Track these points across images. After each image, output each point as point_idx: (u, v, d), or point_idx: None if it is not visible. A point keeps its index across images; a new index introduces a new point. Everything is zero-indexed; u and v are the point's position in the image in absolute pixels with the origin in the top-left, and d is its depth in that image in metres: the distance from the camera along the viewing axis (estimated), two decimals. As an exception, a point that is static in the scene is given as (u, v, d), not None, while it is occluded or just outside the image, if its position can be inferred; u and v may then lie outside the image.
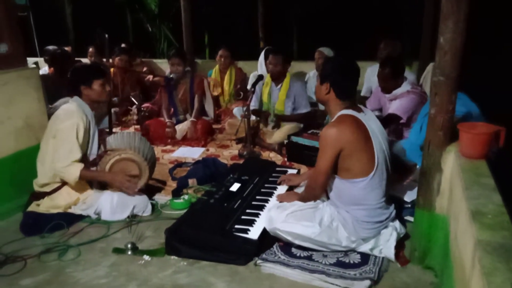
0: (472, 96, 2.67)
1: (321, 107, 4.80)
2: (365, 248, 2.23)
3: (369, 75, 4.76)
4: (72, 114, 2.71)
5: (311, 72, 5.34)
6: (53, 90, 4.17)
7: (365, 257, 2.20)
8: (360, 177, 2.14)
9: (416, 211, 2.18)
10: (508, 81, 4.95)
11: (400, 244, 2.27)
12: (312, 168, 3.19)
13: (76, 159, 2.64)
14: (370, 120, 2.23)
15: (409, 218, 2.56)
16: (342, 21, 8.46)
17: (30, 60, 5.95)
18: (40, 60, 5.95)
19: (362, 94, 5.02)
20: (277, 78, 4.24)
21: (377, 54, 4.55)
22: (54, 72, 4.68)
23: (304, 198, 2.37)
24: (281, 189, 2.82)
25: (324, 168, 2.17)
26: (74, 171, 2.62)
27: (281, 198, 2.52)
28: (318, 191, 2.30)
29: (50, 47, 4.89)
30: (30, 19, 7.70)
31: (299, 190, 2.67)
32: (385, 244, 2.21)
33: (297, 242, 2.24)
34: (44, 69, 5.10)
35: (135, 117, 5.05)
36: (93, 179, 2.84)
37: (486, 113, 2.60)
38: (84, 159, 2.74)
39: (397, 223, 2.29)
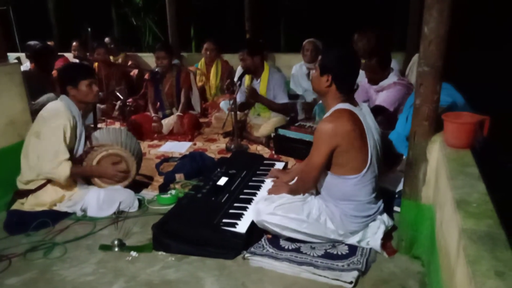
0: (468, 90, 2.67)
1: (308, 99, 4.80)
2: (352, 240, 2.24)
3: None
4: (58, 114, 2.66)
5: (297, 65, 5.32)
6: (36, 86, 4.09)
7: (352, 248, 2.21)
8: (353, 174, 2.12)
9: (402, 201, 2.19)
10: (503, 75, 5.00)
11: (387, 235, 2.29)
12: (300, 162, 3.20)
13: (63, 159, 2.61)
14: (365, 115, 2.20)
15: (396, 208, 2.58)
16: (330, 14, 8.45)
17: (12, 56, 5.81)
18: (22, 55, 5.84)
19: None
20: (255, 72, 4.16)
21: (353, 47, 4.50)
22: (36, 68, 4.59)
23: (294, 190, 2.34)
24: (269, 183, 2.81)
25: (317, 163, 2.13)
26: (63, 171, 2.59)
27: (271, 191, 2.48)
28: (309, 185, 2.28)
29: (32, 42, 4.78)
30: (10, 13, 7.53)
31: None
32: (373, 237, 2.22)
33: (284, 233, 2.23)
34: (26, 65, 5.01)
35: (116, 113, 5.00)
36: (82, 175, 2.80)
37: (474, 104, 2.61)
38: (71, 157, 2.70)
39: (385, 216, 2.30)
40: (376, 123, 2.27)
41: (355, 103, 2.20)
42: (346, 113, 2.09)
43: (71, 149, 2.72)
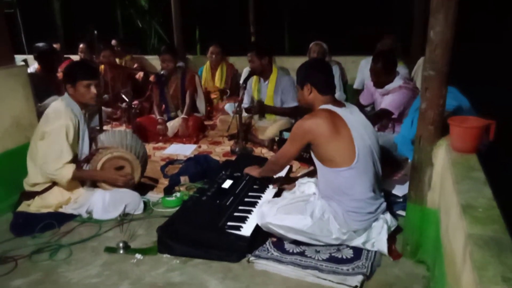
0: (467, 87, 2.66)
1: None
2: (357, 242, 2.24)
3: (363, 68, 4.76)
4: (60, 114, 2.65)
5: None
6: (42, 88, 4.12)
7: (357, 252, 2.21)
8: (343, 166, 2.19)
9: (407, 205, 2.19)
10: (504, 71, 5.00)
11: (392, 238, 2.28)
12: (304, 165, 3.21)
13: (67, 161, 2.61)
14: (352, 113, 2.29)
15: (401, 212, 2.57)
16: (333, 16, 8.45)
17: (19, 58, 5.86)
18: (30, 57, 5.88)
19: (354, 86, 5.02)
20: (263, 73, 4.17)
21: (377, 46, 4.55)
22: (42, 70, 4.62)
23: (263, 171, 2.75)
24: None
25: (288, 154, 2.42)
26: (66, 173, 2.60)
27: (247, 170, 2.88)
28: (276, 169, 2.67)
29: (39, 44, 4.82)
30: (17, 16, 7.59)
31: (297, 187, 2.67)
32: (377, 237, 2.22)
33: (289, 235, 2.24)
34: (33, 67, 5.04)
35: (119, 113, 5.03)
36: (85, 179, 2.81)
37: (478, 106, 2.60)
38: (75, 159, 2.70)
39: (387, 216, 2.30)
40: (366, 122, 2.35)
41: (339, 105, 2.31)
42: (323, 112, 2.23)
43: (75, 149, 2.72)
